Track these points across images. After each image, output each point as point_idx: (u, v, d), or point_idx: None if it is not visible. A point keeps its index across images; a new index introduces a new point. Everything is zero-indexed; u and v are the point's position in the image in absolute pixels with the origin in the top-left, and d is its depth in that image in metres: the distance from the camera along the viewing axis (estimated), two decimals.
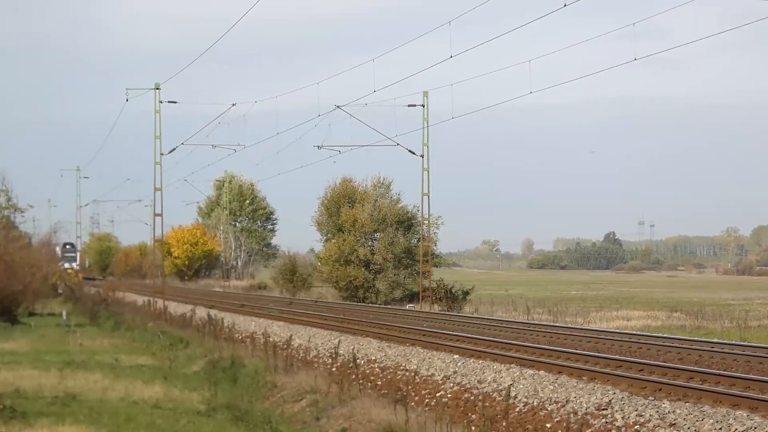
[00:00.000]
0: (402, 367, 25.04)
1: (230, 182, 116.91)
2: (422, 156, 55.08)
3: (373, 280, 68.26)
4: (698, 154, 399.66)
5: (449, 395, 21.25)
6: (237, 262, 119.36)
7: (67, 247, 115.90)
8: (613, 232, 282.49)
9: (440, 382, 22.62)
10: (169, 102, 54.56)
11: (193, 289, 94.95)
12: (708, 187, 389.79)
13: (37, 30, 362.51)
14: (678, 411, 16.55)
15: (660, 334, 33.30)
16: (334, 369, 24.72)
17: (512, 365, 22.85)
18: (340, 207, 70.92)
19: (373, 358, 27.21)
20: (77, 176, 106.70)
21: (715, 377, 20.08)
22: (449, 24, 40.11)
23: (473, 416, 18.74)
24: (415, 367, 24.56)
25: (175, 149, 56.73)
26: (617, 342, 28.76)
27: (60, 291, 73.84)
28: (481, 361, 24.07)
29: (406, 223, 68.97)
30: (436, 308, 54.56)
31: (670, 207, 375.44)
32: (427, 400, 21.35)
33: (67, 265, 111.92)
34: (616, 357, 24.09)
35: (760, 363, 23.41)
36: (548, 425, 17.64)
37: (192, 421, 19.33)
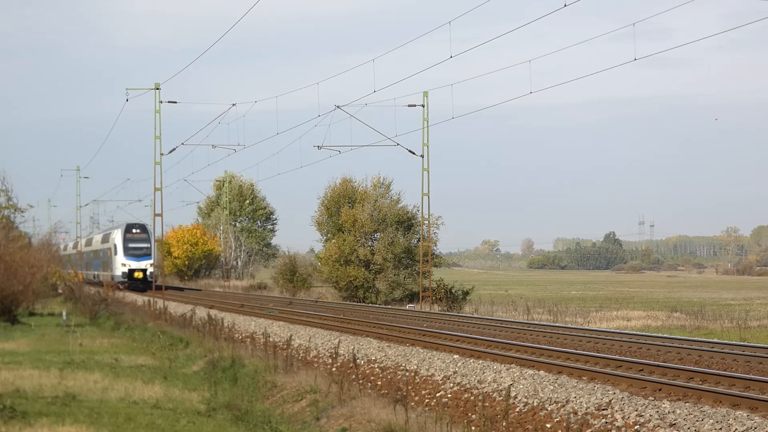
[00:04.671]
0: (402, 367, 25.02)
1: (230, 182, 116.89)
2: (422, 156, 55.07)
3: (373, 280, 68.24)
4: (698, 153, 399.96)
5: (449, 395, 21.24)
6: (237, 262, 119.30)
7: (134, 231, 76.51)
8: (613, 232, 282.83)
9: (440, 382, 22.60)
10: (169, 102, 54.41)
11: (193, 288, 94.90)
12: (708, 187, 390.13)
13: (37, 30, 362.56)
14: (678, 411, 16.54)
15: (660, 334, 33.30)
16: (334, 369, 24.73)
17: (512, 365, 22.83)
18: (340, 207, 70.94)
19: (373, 358, 27.19)
20: (77, 176, 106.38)
21: (715, 377, 20.07)
22: (449, 24, 40.39)
23: (473, 416, 18.74)
24: (415, 367, 24.54)
25: (175, 149, 56.60)
26: (617, 342, 28.74)
27: (60, 291, 73.69)
28: (481, 361, 24.05)
29: (406, 223, 68.97)
30: (436, 308, 54.54)
31: (670, 207, 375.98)
32: (427, 400, 21.35)
33: (132, 264, 76.60)
34: (616, 357, 24.07)
35: (760, 363, 23.40)
36: (548, 425, 17.64)
37: (192, 421, 19.33)
